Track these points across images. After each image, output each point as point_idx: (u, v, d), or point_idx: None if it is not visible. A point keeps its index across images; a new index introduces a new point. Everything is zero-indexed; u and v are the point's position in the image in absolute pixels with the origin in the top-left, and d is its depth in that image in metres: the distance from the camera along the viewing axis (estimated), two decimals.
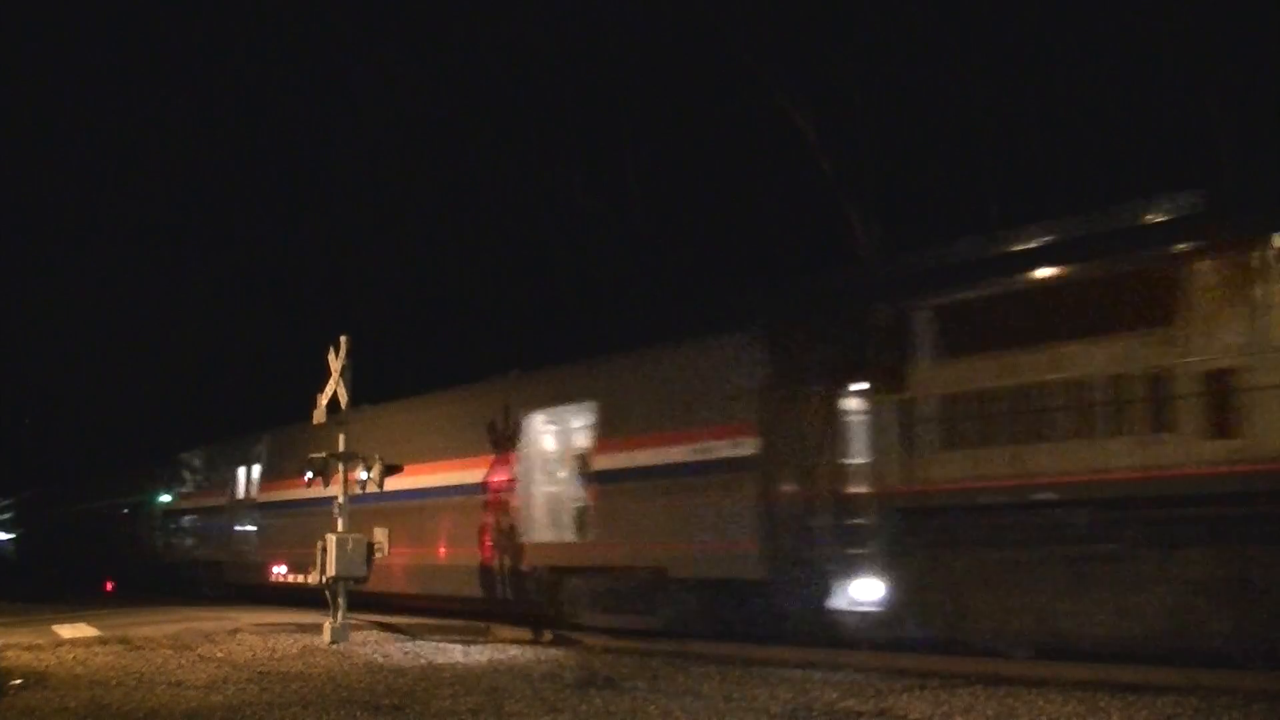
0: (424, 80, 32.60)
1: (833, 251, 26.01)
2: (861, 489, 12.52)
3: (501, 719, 9.09)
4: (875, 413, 12.48)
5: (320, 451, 16.17)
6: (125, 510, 35.45)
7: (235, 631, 16.28)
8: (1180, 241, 10.49)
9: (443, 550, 18.90)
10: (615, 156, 31.09)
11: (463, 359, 30.76)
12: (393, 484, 16.79)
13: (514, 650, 13.78)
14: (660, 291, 29.48)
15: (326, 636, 14.91)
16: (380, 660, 13.12)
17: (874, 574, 12.35)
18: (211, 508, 27.95)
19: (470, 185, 33.69)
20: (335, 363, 16.28)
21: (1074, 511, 10.63)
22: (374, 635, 15.69)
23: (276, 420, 25.86)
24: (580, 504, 16.43)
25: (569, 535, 16.63)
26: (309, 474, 16.57)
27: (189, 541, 29.45)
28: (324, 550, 15.33)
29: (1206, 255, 10.19)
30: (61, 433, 56.64)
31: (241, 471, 26.53)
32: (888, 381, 12.33)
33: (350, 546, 15.33)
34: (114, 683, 11.48)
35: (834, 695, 9.63)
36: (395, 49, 33.80)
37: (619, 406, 15.87)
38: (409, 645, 14.62)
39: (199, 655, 13.72)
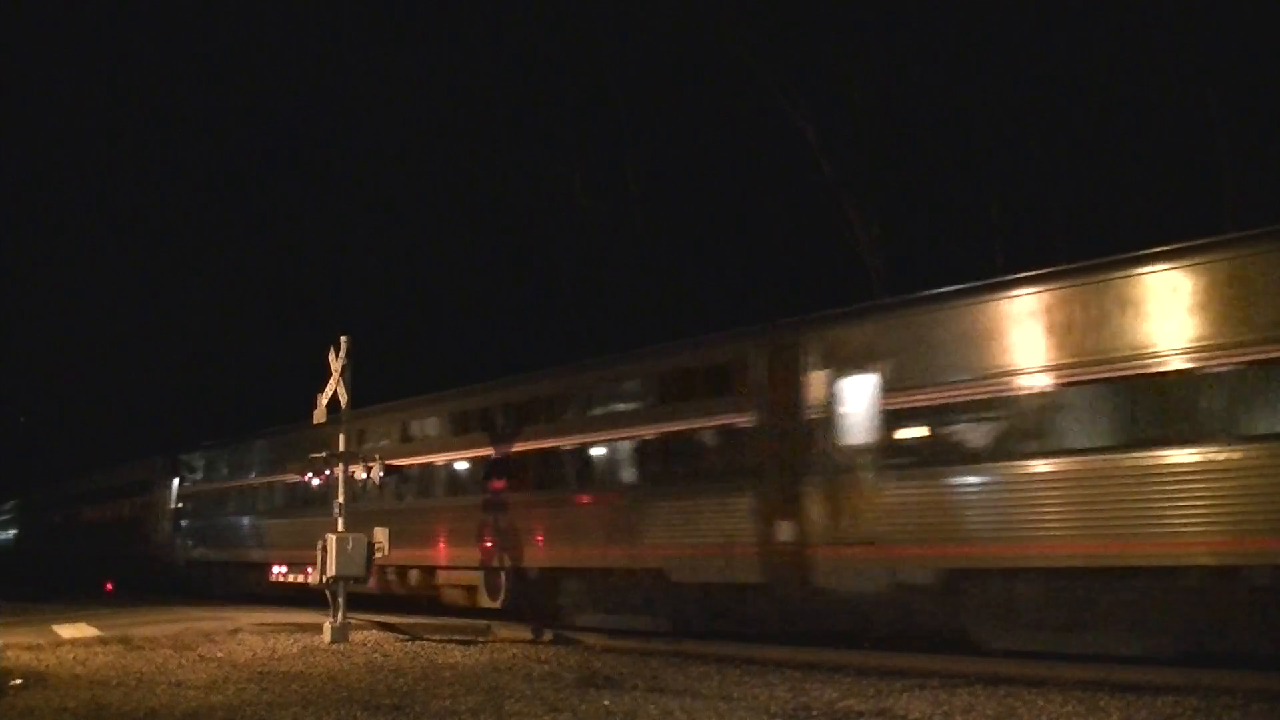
0: (424, 80, 32.62)
1: (833, 251, 26.05)
2: None
3: (501, 719, 9.09)
4: None
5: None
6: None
7: (235, 631, 16.28)
8: None
9: None
10: (615, 156, 31.12)
11: (462, 359, 30.82)
12: None
13: (514, 650, 13.77)
14: (660, 291, 29.50)
15: (326, 636, 14.91)
16: (380, 660, 13.11)
17: None
18: None
19: (471, 185, 33.72)
20: (335, 363, 16.29)
21: None
22: (374, 635, 15.68)
23: (277, 419, 25.82)
24: None
25: None
26: (310, 474, 16.62)
27: None
28: (324, 550, 15.33)
29: None
30: (58, 432, 56.66)
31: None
32: None
33: (350, 546, 15.33)
34: (114, 683, 11.48)
35: (834, 695, 9.63)
36: (395, 49, 33.84)
37: None
38: (409, 645, 14.62)
39: (199, 655, 13.72)
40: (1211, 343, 10.41)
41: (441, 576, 19.51)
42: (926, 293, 13.31)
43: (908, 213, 25.37)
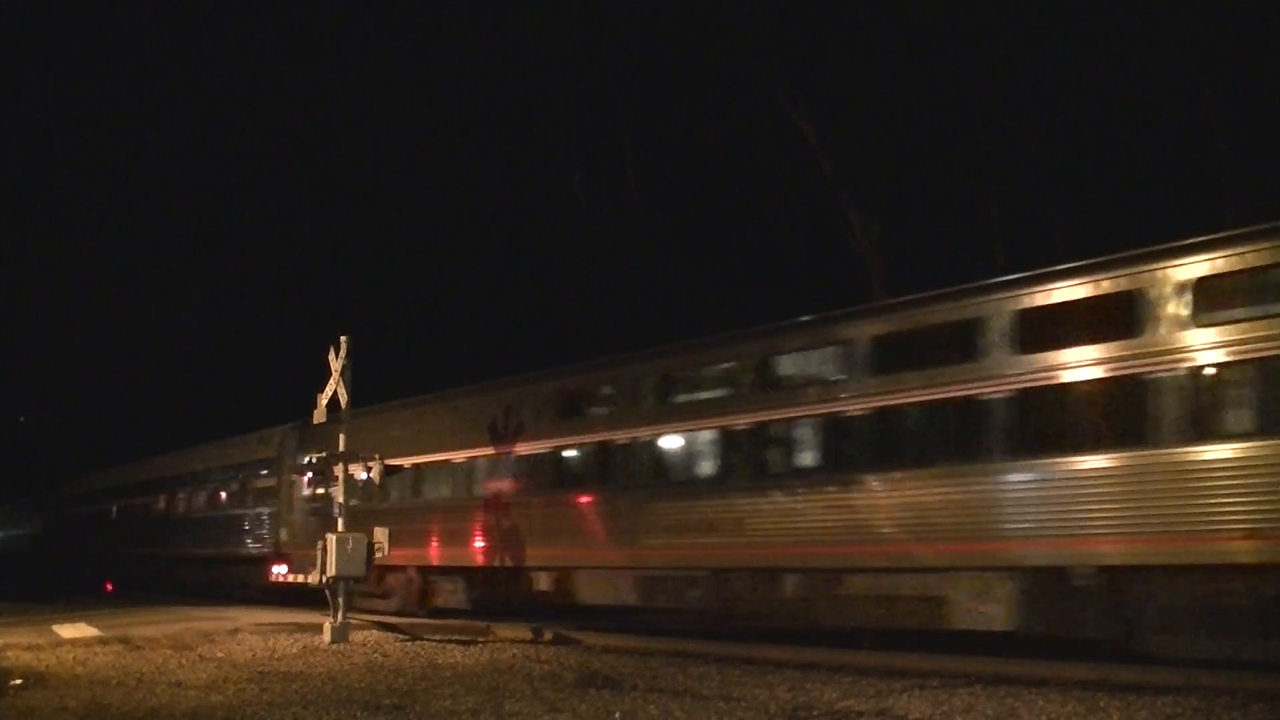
0: (425, 81, 32.66)
1: (833, 251, 26.07)
2: None
3: (501, 719, 9.09)
4: None
5: None
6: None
7: (235, 631, 16.27)
8: None
9: None
10: (615, 156, 31.15)
11: (462, 359, 30.83)
12: None
13: (514, 650, 13.77)
14: (660, 291, 29.51)
15: (326, 636, 14.91)
16: (380, 660, 13.11)
17: None
18: None
19: (470, 185, 33.75)
20: (335, 363, 16.29)
21: None
22: (374, 635, 15.68)
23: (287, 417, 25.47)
24: None
25: None
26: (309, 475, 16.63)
27: None
28: (324, 550, 15.33)
29: None
30: (57, 432, 56.66)
31: None
32: None
33: (350, 546, 15.33)
34: (114, 683, 11.48)
35: (834, 695, 9.63)
36: (396, 50, 33.89)
37: None
38: (409, 645, 14.61)
39: (199, 655, 13.71)
40: None
41: (860, 583, 13.21)
42: None
43: (908, 213, 25.40)
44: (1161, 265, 11.12)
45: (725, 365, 15.11)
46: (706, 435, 14.97)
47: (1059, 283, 11.90)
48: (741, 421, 14.42)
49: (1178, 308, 10.89)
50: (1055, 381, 11.65)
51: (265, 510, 24.25)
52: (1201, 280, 10.84)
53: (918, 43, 24.59)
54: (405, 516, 19.05)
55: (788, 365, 14.55)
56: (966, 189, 24.64)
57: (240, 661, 13.13)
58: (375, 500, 19.67)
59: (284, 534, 23.26)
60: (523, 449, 17.53)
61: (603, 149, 31.29)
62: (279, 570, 21.18)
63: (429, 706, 9.63)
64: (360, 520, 16.38)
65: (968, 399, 12.22)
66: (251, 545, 24.66)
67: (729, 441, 14.57)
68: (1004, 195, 24.04)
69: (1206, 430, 10.61)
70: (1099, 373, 11.36)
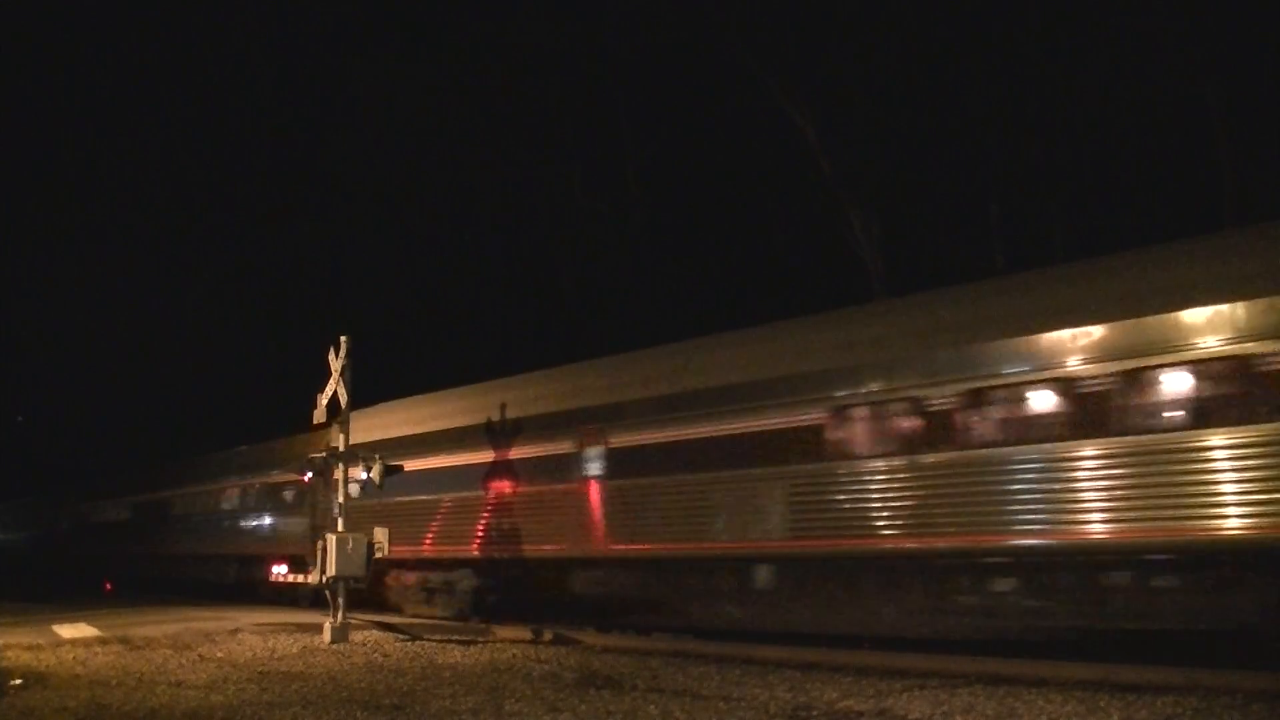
0: (424, 81, 32.62)
1: (833, 251, 26.07)
2: None
3: (501, 719, 9.09)
4: None
5: None
6: None
7: (235, 631, 16.27)
8: None
9: None
10: (615, 156, 31.14)
11: (463, 359, 30.84)
12: None
13: (514, 650, 13.76)
14: (660, 291, 29.52)
15: (326, 636, 14.90)
16: (380, 660, 13.11)
17: None
18: None
19: (470, 186, 33.73)
20: (335, 363, 16.28)
21: None
22: (374, 635, 15.67)
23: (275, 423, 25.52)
24: None
25: None
26: (309, 474, 16.61)
27: None
28: (324, 550, 15.32)
29: None
30: (56, 433, 56.64)
31: None
32: None
33: (350, 546, 15.32)
34: (114, 683, 11.47)
35: (834, 695, 9.63)
36: (395, 50, 33.86)
37: None
38: (409, 645, 14.61)
39: (199, 655, 13.71)
40: None
41: None
42: None
43: (908, 213, 25.40)
44: None
45: None
46: None
47: None
48: None
49: None
50: None
51: None
52: None
53: (918, 43, 24.57)
54: None
55: None
56: (966, 189, 24.64)
57: (240, 661, 13.12)
58: None
59: None
60: None
61: (603, 149, 31.30)
62: (278, 570, 20.94)
63: (429, 706, 9.63)
64: None
65: None
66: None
67: None
68: (1004, 195, 24.03)
69: None
70: None
